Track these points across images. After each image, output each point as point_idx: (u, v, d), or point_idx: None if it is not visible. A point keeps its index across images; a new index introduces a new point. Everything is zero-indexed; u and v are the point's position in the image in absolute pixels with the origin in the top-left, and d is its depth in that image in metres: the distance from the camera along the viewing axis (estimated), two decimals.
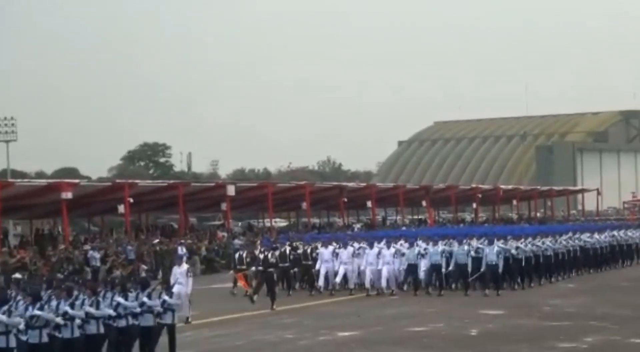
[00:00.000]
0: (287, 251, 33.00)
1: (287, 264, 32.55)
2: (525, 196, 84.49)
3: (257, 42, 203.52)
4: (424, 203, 71.14)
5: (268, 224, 61.42)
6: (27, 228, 56.93)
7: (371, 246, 32.81)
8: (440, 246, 32.19)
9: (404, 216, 73.90)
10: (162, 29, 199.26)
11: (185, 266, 25.69)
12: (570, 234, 38.28)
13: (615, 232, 42.33)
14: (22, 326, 16.87)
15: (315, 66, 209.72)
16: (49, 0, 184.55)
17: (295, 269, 33.60)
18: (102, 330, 18.18)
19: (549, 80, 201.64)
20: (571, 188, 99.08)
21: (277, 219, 70.97)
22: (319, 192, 61.95)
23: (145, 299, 19.10)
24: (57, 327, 17.37)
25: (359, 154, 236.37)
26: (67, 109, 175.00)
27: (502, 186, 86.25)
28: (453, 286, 32.70)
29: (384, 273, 31.94)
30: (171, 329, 19.94)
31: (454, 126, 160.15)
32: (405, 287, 32.79)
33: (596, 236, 40.23)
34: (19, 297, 17.72)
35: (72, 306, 17.65)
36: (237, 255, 34.06)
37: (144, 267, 42.62)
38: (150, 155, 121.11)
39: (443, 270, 31.79)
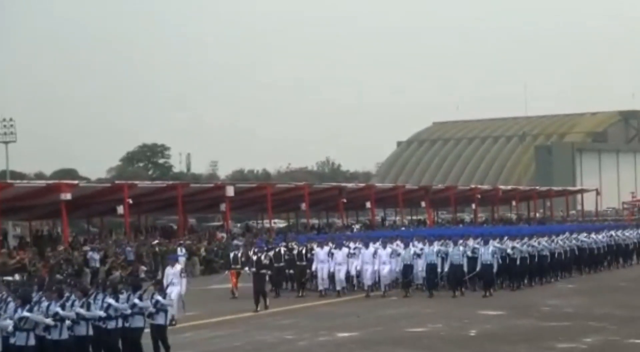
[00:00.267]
0: (282, 252, 32.97)
1: (281, 265, 32.54)
2: (524, 197, 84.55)
3: (256, 43, 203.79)
4: (423, 204, 71.20)
5: (267, 225, 61.46)
6: (27, 229, 56.97)
7: (367, 246, 32.73)
8: (436, 246, 32.13)
9: (403, 216, 73.94)
10: (161, 29, 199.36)
11: (178, 267, 25.49)
12: (567, 234, 38.21)
13: (612, 233, 42.25)
14: (10, 329, 16.82)
15: (314, 67, 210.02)
16: (48, 0, 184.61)
17: (291, 271, 33.51)
18: (91, 332, 18.07)
19: (548, 81, 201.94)
20: (570, 188, 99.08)
21: (277, 220, 71.04)
22: (318, 193, 61.98)
23: (136, 301, 18.96)
24: (47, 328, 17.29)
25: (358, 155, 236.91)
26: (66, 110, 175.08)
27: (501, 187, 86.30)
28: (447, 285, 32.60)
29: (382, 273, 31.85)
30: (163, 330, 19.75)
31: (453, 127, 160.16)
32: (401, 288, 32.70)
33: (593, 236, 40.14)
34: (9, 299, 17.64)
35: (62, 307, 17.55)
36: (231, 255, 34.08)
37: (144, 268, 42.67)
38: (149, 156, 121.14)
39: (439, 270, 31.76)
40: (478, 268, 31.37)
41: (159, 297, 19.61)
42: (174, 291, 23.87)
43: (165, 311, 19.79)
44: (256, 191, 57.42)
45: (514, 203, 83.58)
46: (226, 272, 34.85)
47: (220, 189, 53.29)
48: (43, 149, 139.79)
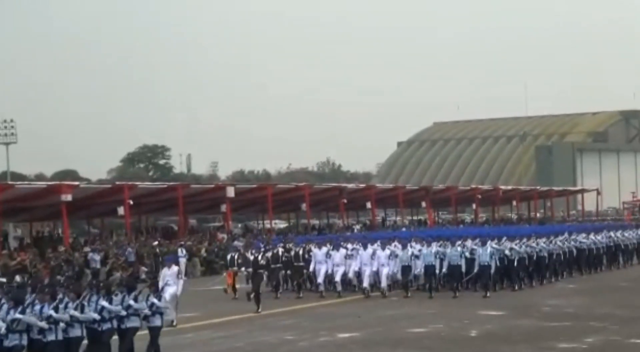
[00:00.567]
0: (280, 252, 32.91)
1: (278, 265, 32.47)
2: (525, 197, 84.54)
3: (256, 44, 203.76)
4: (423, 204, 71.23)
5: (268, 226, 61.47)
6: (27, 230, 56.98)
7: (365, 247, 32.64)
8: (434, 247, 32.03)
9: (403, 216, 73.96)
10: (161, 30, 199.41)
11: (175, 268, 25.26)
12: (565, 234, 38.11)
13: (611, 233, 42.11)
14: (3, 330, 16.74)
15: (314, 67, 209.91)
16: (49, 1, 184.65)
17: (288, 272, 33.44)
18: (84, 333, 17.94)
19: (549, 81, 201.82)
20: (571, 188, 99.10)
21: (277, 221, 71.07)
22: (319, 194, 62.02)
23: (131, 302, 18.85)
24: (42, 331, 17.18)
25: (359, 155, 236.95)
26: (66, 111, 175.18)
27: (502, 187, 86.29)
28: (446, 286, 32.57)
29: (381, 273, 31.78)
30: (157, 331, 19.55)
31: (453, 127, 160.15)
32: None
33: (592, 236, 40.04)
34: (2, 301, 17.51)
35: (56, 309, 17.44)
36: (229, 256, 34.06)
37: (144, 269, 42.68)
38: (149, 157, 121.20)
39: (437, 271, 31.73)
40: (475, 269, 31.35)
41: (154, 300, 19.42)
42: (167, 292, 23.71)
43: (161, 313, 19.61)
44: (257, 191, 57.44)
45: (514, 203, 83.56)
46: (224, 274, 34.82)
47: (220, 189, 53.32)
48: (43, 150, 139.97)
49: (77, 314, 17.75)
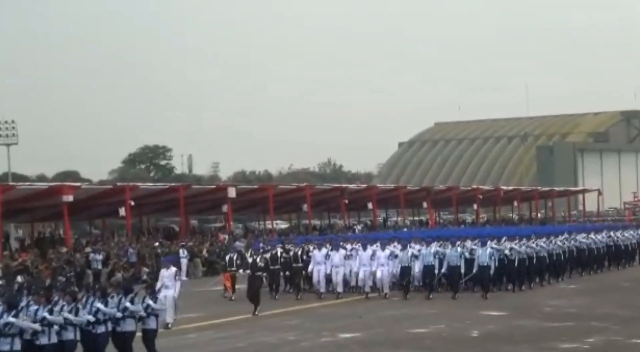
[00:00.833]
0: (278, 254, 32.87)
1: (277, 267, 32.40)
2: (526, 197, 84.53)
3: (256, 44, 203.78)
4: (424, 204, 71.22)
5: (269, 227, 61.50)
6: (29, 231, 57.01)
7: (364, 248, 32.58)
8: (434, 248, 31.98)
9: (404, 217, 73.97)
10: (161, 30, 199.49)
11: (173, 269, 24.96)
12: (565, 235, 38.06)
13: (612, 233, 42.05)
14: None
15: (315, 67, 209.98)
16: (49, 1, 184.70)
17: (287, 273, 33.36)
18: (79, 336, 17.82)
19: (550, 81, 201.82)
20: (572, 189, 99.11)
21: (279, 221, 71.10)
22: (320, 194, 62.04)
23: (127, 304, 18.77)
24: (35, 333, 17.04)
25: (360, 156, 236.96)
26: (67, 112, 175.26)
27: (503, 187, 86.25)
28: (445, 286, 32.54)
29: (379, 275, 31.72)
30: (152, 334, 19.53)
31: (454, 127, 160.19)
32: (404, 282, 32.54)
33: (592, 236, 39.97)
34: None
35: (50, 312, 17.31)
36: (227, 257, 34.03)
37: (146, 269, 42.70)
38: (151, 157, 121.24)
39: (436, 271, 31.69)
40: (475, 270, 31.35)
41: (150, 302, 19.34)
42: (168, 294, 23.69)
43: (157, 315, 19.53)
44: (258, 192, 57.46)
45: (515, 204, 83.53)
46: (220, 275, 34.77)
47: (222, 190, 53.36)
48: (45, 151, 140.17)
49: (70, 316, 17.62)
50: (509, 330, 23.38)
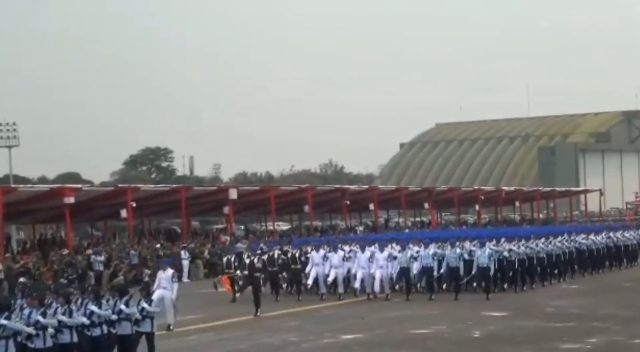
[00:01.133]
0: (276, 255, 32.77)
1: (275, 268, 32.32)
2: (527, 197, 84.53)
3: (256, 44, 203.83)
4: (426, 205, 71.25)
5: (271, 228, 61.52)
6: (30, 233, 57.05)
7: (363, 250, 32.42)
8: (432, 249, 31.91)
9: (406, 218, 73.96)
10: (162, 31, 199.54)
11: (170, 271, 24.89)
12: (565, 235, 37.97)
13: (612, 234, 41.95)
14: None
15: (315, 68, 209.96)
16: (49, 1, 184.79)
17: (284, 274, 33.25)
18: (75, 339, 17.64)
19: (551, 81, 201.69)
20: (574, 189, 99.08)
21: (280, 223, 71.13)
22: (322, 195, 62.09)
23: (122, 307, 18.65)
24: (29, 336, 16.81)
25: (361, 157, 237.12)
26: (68, 114, 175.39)
27: (505, 188, 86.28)
28: (444, 287, 32.45)
29: (378, 276, 31.62)
30: (150, 337, 19.44)
31: (455, 128, 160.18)
32: (396, 287, 32.49)
33: (592, 237, 39.88)
34: None
35: (44, 314, 17.07)
36: (225, 259, 33.89)
37: (147, 271, 42.69)
38: (152, 159, 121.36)
39: (435, 273, 31.63)
40: (474, 271, 31.32)
41: (145, 304, 19.27)
42: (166, 296, 23.62)
43: (152, 318, 19.43)
44: (259, 193, 57.49)
45: (517, 204, 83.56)
46: (218, 277, 34.69)
47: (223, 191, 53.38)
48: (46, 153, 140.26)
49: (64, 318, 17.47)
50: (511, 331, 23.36)
